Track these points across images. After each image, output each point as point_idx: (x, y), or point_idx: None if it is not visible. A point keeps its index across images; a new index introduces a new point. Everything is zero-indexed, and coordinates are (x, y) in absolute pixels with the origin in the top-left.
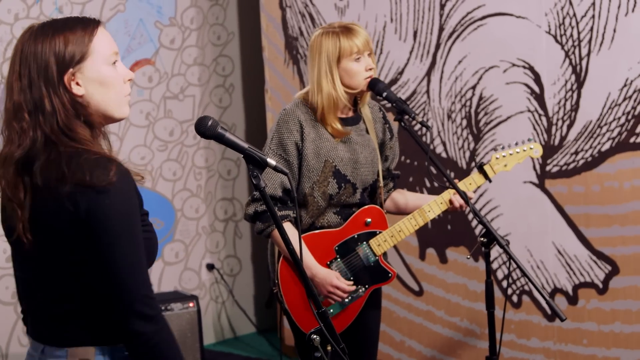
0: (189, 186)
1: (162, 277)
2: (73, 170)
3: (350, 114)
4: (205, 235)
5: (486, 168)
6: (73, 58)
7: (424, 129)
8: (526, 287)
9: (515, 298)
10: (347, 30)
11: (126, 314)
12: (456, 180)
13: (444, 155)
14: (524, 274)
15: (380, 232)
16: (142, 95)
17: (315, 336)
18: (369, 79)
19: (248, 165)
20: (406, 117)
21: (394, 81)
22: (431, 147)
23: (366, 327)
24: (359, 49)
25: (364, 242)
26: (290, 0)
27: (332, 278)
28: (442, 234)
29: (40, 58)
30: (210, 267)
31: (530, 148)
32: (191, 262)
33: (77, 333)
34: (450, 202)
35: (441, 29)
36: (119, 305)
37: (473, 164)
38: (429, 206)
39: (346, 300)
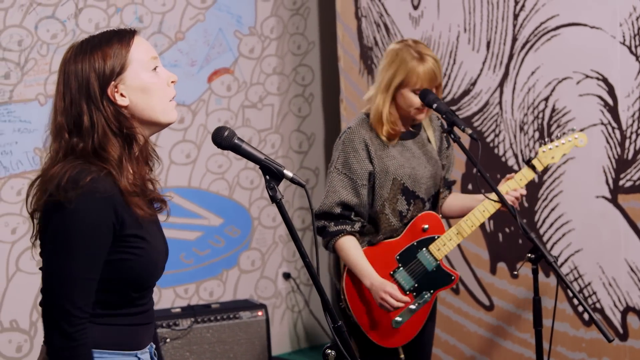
0: (266, 195)
1: (237, 285)
2: (57, 181)
3: (409, 128)
4: (282, 244)
5: (534, 162)
6: (113, 71)
7: (496, 141)
8: (597, 305)
9: (586, 316)
10: (421, 60)
11: (46, 324)
12: (509, 177)
13: (515, 167)
14: (570, 290)
15: (438, 237)
16: (220, 104)
17: (330, 351)
18: (418, 112)
19: (265, 177)
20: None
21: (466, 92)
22: (503, 159)
23: (424, 341)
24: (422, 84)
25: (424, 248)
26: (366, 10)
27: (385, 286)
28: (513, 248)
29: (80, 76)
30: (287, 276)
31: (575, 138)
32: (267, 270)
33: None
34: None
35: (514, 39)
36: (44, 311)
37: (545, 177)
38: (483, 205)
39: (413, 307)
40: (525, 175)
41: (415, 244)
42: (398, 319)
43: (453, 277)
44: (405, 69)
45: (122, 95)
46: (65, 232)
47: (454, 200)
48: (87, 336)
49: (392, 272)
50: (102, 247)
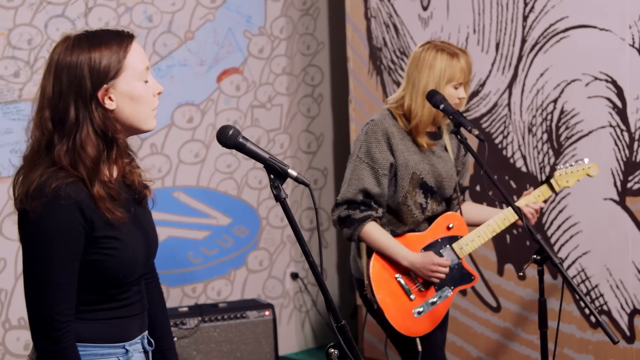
0: None
1: (245, 284)
2: (27, 188)
3: (434, 129)
4: (290, 244)
5: (552, 182)
6: (108, 74)
7: (504, 142)
8: (604, 307)
9: (592, 318)
10: (460, 55)
11: (32, 332)
12: (527, 193)
13: (524, 169)
14: (575, 291)
15: (461, 237)
16: (229, 103)
17: (333, 350)
18: (457, 106)
19: (269, 176)
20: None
21: (475, 93)
22: (511, 160)
23: (435, 347)
24: (464, 78)
25: (447, 246)
26: (375, 10)
27: (432, 257)
28: (521, 250)
29: (73, 71)
30: (295, 276)
31: (589, 167)
32: (275, 270)
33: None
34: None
35: (523, 41)
36: (29, 321)
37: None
38: (504, 214)
39: (434, 299)
40: (543, 192)
41: (439, 240)
42: (420, 309)
43: (473, 277)
44: (450, 64)
45: (110, 99)
46: (35, 241)
47: (471, 208)
48: (72, 337)
49: None
50: (74, 251)
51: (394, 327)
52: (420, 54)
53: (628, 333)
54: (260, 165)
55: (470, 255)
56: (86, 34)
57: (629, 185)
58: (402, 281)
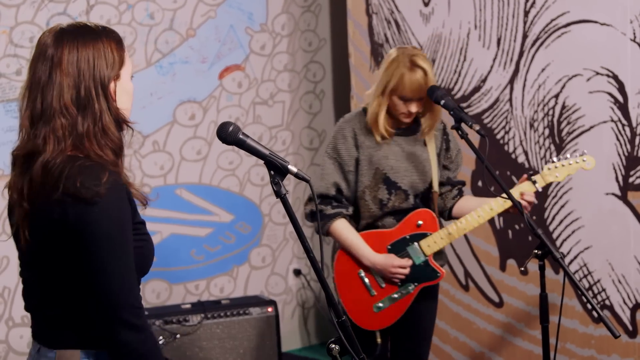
0: None
1: (248, 281)
2: (66, 176)
3: (406, 124)
4: (292, 240)
5: (537, 178)
6: (118, 65)
7: (506, 138)
8: (607, 302)
9: (595, 313)
10: (412, 69)
11: (113, 323)
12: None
13: (525, 164)
14: (576, 285)
15: (430, 234)
16: (231, 100)
17: (334, 345)
18: (404, 117)
19: (269, 172)
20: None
21: (477, 89)
22: (513, 156)
23: (425, 320)
24: (406, 93)
25: (415, 243)
26: (377, 7)
27: (392, 260)
28: (523, 245)
29: (90, 59)
30: (297, 272)
31: (583, 160)
32: (278, 267)
33: (65, 336)
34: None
35: (525, 36)
36: (105, 314)
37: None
38: (477, 212)
39: (395, 295)
40: (526, 189)
41: (407, 237)
42: (380, 304)
43: (439, 274)
44: (398, 75)
45: (115, 93)
46: (109, 229)
47: (466, 202)
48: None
49: None
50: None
51: (353, 320)
52: (386, 58)
53: (630, 327)
54: (262, 162)
55: (472, 250)
56: (88, 26)
57: (630, 180)
58: (364, 277)
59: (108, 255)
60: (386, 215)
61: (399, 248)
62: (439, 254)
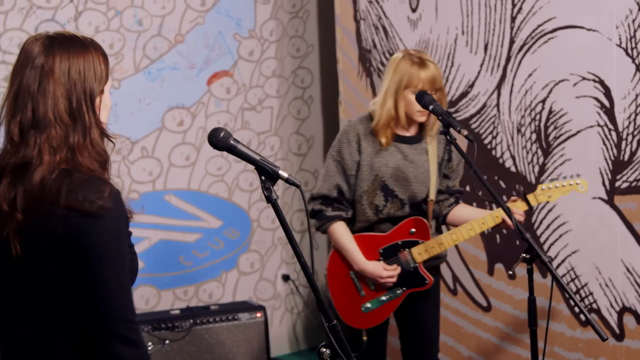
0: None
1: (237, 286)
2: (68, 190)
3: (412, 133)
4: (281, 246)
5: (530, 197)
6: (104, 80)
7: (494, 142)
8: (594, 305)
9: (582, 316)
10: (420, 64)
11: (109, 338)
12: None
13: (513, 169)
14: (564, 289)
15: (422, 242)
16: (219, 106)
17: (325, 349)
18: (420, 114)
19: (260, 177)
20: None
21: (464, 94)
22: (500, 161)
23: (429, 320)
24: (422, 85)
25: (406, 249)
26: (365, 13)
27: (380, 269)
28: (510, 249)
29: (81, 71)
30: (286, 278)
31: (577, 183)
32: (267, 272)
33: (58, 353)
34: (503, 220)
35: (512, 42)
36: (102, 329)
37: (542, 178)
38: (470, 224)
39: (384, 298)
40: (518, 206)
41: (400, 243)
42: (368, 305)
43: (427, 282)
44: (408, 71)
45: (99, 107)
46: (110, 243)
47: (461, 211)
48: None
49: None
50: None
51: (341, 318)
52: (390, 60)
53: (617, 331)
54: (251, 168)
55: (460, 255)
56: (77, 36)
57: (617, 184)
58: (355, 278)
59: (109, 270)
60: (381, 222)
61: (391, 253)
62: (437, 257)
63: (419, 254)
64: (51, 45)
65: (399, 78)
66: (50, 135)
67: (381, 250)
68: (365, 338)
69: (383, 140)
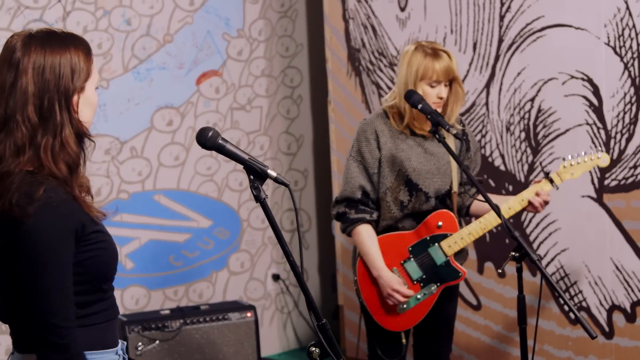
0: None
1: (227, 286)
2: (9, 193)
3: (429, 126)
4: (271, 245)
5: (553, 176)
6: (83, 78)
7: (483, 141)
8: (584, 304)
9: (572, 314)
10: (434, 54)
11: (37, 341)
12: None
13: (502, 168)
14: (553, 287)
15: (450, 235)
16: (208, 106)
17: (314, 348)
18: (435, 105)
19: (249, 176)
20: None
21: None
22: (490, 159)
23: (447, 319)
24: (437, 76)
25: (436, 244)
26: (353, 12)
27: (394, 282)
28: (500, 248)
29: (57, 69)
30: (276, 277)
31: (598, 157)
32: (257, 272)
33: (25, 340)
34: (530, 202)
35: (500, 41)
36: (33, 331)
37: (531, 176)
38: (507, 203)
39: (419, 296)
40: (543, 187)
41: (428, 238)
42: (404, 305)
43: (460, 274)
44: (421, 62)
45: (77, 104)
46: (33, 248)
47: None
48: (78, 343)
49: (403, 262)
50: (69, 254)
51: (378, 322)
52: (403, 53)
53: (607, 329)
54: (241, 168)
55: None
56: (58, 32)
57: (606, 182)
58: None
59: (32, 276)
60: (406, 217)
61: (420, 249)
62: (460, 253)
63: (449, 246)
64: (29, 43)
65: (414, 69)
66: (16, 136)
67: (410, 248)
68: (404, 340)
69: (402, 128)
